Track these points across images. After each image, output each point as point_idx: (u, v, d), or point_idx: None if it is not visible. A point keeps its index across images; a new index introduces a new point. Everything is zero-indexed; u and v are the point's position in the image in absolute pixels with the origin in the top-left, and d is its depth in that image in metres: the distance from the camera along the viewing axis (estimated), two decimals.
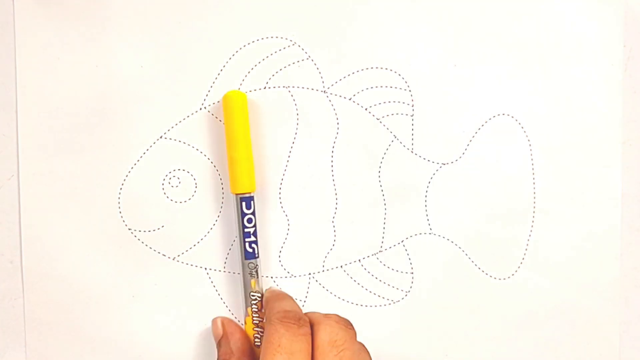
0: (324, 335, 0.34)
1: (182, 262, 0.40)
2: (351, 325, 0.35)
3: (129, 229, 0.40)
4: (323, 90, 0.41)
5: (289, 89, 0.40)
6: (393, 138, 0.41)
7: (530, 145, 0.41)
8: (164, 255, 0.40)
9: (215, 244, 0.40)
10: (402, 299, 0.41)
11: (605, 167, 0.42)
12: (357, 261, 0.41)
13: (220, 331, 0.39)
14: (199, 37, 0.40)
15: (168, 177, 0.40)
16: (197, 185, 0.40)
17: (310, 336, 0.34)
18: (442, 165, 0.41)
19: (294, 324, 0.34)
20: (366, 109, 0.41)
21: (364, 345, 0.36)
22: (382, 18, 0.40)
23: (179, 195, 0.40)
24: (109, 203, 0.40)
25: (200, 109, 0.40)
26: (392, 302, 0.41)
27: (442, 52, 0.41)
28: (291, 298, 0.39)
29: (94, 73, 0.39)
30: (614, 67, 0.41)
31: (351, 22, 0.40)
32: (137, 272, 0.40)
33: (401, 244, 0.41)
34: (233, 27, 0.40)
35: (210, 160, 0.40)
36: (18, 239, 0.40)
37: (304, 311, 0.37)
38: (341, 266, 0.41)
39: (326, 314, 0.36)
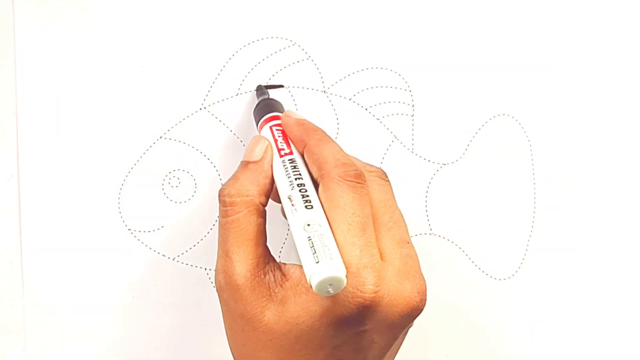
0: (376, 195, 0.30)
1: (182, 262, 0.40)
2: (386, 175, 0.32)
3: (129, 229, 0.40)
4: (323, 90, 0.41)
5: (289, 89, 0.40)
6: (393, 138, 0.41)
7: (530, 145, 0.41)
8: (164, 256, 0.40)
9: (215, 244, 0.40)
10: None
11: (606, 167, 0.42)
12: None
13: (259, 155, 0.33)
14: (199, 37, 0.40)
15: (168, 177, 0.40)
16: (197, 185, 0.40)
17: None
18: (442, 165, 0.41)
19: (358, 183, 0.29)
20: (366, 109, 0.41)
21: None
22: (382, 18, 0.40)
23: (179, 195, 0.40)
24: (109, 203, 0.40)
25: (200, 109, 0.40)
26: None
27: (442, 52, 0.41)
28: (329, 138, 0.33)
29: (94, 73, 0.39)
30: (614, 66, 0.41)
31: (351, 22, 0.40)
32: (137, 272, 0.40)
33: None
34: (233, 27, 0.40)
35: (210, 161, 0.40)
36: (18, 239, 0.40)
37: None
38: None
39: (365, 167, 0.32)
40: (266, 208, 0.33)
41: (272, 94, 0.39)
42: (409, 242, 0.30)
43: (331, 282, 0.26)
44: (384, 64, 0.41)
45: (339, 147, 0.32)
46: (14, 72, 0.39)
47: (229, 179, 0.32)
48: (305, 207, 0.29)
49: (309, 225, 0.28)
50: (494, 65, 0.41)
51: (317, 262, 0.27)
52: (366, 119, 0.41)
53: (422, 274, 0.30)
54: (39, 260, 0.40)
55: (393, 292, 0.28)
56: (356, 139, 0.41)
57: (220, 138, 0.40)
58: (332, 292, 0.26)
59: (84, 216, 0.40)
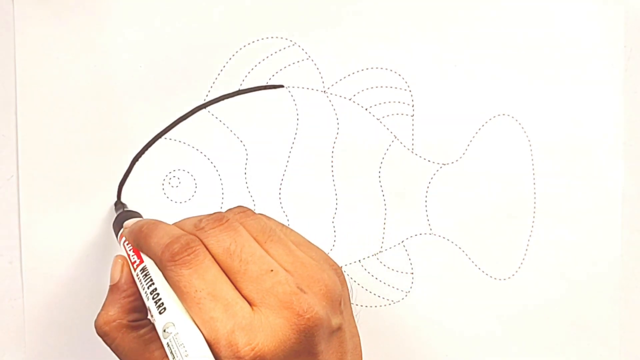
0: (215, 249, 0.29)
1: None
2: (221, 216, 0.31)
3: None
4: (323, 90, 0.41)
5: (289, 89, 0.40)
6: (393, 138, 0.41)
7: (530, 145, 0.41)
8: None
9: None
10: (402, 299, 0.41)
11: (605, 168, 0.42)
12: (357, 261, 0.41)
13: (117, 277, 0.33)
14: (199, 37, 0.40)
15: (168, 177, 0.40)
16: (197, 185, 0.40)
17: (209, 253, 0.29)
18: (442, 166, 0.41)
19: (188, 255, 0.28)
20: (366, 109, 0.41)
21: (251, 216, 0.32)
22: (382, 18, 0.40)
23: (179, 195, 0.40)
24: (109, 203, 0.40)
25: (200, 109, 0.40)
26: (392, 302, 0.41)
27: (442, 52, 0.41)
28: (154, 221, 0.33)
29: (93, 73, 0.39)
30: (614, 67, 0.41)
31: (351, 22, 0.40)
32: None
33: (401, 244, 0.41)
34: (233, 27, 0.40)
35: (210, 160, 0.40)
36: (18, 239, 0.40)
37: None
38: (341, 266, 0.41)
39: (196, 225, 0.30)
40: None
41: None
42: (272, 270, 0.29)
43: None
44: (384, 64, 0.41)
45: (163, 227, 0.31)
46: (14, 72, 0.39)
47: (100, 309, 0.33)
48: (159, 312, 0.29)
49: (164, 330, 0.28)
50: (493, 65, 0.41)
51: None
52: (366, 119, 0.41)
53: (300, 290, 0.28)
54: (39, 260, 0.40)
55: (276, 331, 0.27)
56: (356, 139, 0.41)
57: (220, 138, 0.40)
58: None
59: (84, 216, 0.40)
